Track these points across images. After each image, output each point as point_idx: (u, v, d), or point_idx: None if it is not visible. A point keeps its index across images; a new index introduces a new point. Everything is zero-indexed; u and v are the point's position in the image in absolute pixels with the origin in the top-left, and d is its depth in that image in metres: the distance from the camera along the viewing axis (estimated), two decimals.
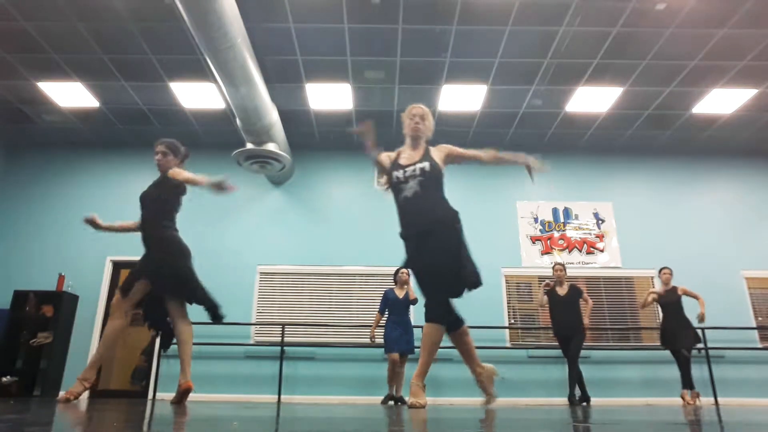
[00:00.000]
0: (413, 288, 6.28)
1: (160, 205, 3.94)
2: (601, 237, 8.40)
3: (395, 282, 6.46)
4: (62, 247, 7.97)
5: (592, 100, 7.43)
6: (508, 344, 7.73)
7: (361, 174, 8.58)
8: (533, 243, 8.34)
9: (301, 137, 8.39)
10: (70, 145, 8.68)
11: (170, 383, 7.38)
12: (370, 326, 6.75)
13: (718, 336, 7.58)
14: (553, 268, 6.55)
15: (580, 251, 8.31)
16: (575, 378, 6.11)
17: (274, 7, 5.67)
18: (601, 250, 8.33)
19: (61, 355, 7.47)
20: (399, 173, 3.19)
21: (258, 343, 7.65)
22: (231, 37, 5.25)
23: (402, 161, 3.25)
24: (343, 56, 6.52)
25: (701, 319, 6.42)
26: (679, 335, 6.35)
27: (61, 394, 3.55)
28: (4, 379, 6.97)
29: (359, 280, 7.94)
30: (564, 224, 8.46)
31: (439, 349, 8.15)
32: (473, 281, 3.09)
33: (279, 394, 7.25)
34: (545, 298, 6.43)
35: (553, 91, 7.25)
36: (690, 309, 6.60)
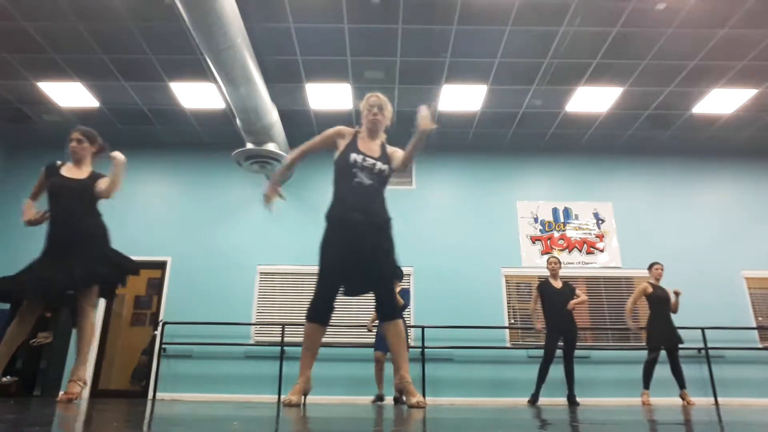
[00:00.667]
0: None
1: (79, 194, 3.66)
2: (601, 237, 8.40)
3: None
4: None
5: (592, 100, 7.44)
6: (508, 344, 7.73)
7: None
8: (533, 243, 8.34)
9: (301, 137, 8.34)
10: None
11: (170, 383, 7.40)
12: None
13: (718, 336, 7.58)
14: (548, 261, 6.46)
15: (580, 251, 8.31)
16: (571, 377, 6.06)
17: (274, 7, 5.67)
18: (601, 250, 8.33)
19: (61, 355, 7.47)
20: (358, 157, 3.04)
21: (258, 343, 7.65)
22: (231, 37, 5.25)
23: (360, 146, 3.14)
24: (343, 56, 6.52)
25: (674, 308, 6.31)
26: (673, 334, 6.24)
27: (61, 393, 3.53)
28: (4, 379, 6.96)
29: None
30: (564, 224, 8.46)
31: (439, 350, 8.19)
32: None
33: (279, 394, 7.25)
34: (536, 294, 6.35)
35: (553, 91, 7.25)
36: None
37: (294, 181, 8.64)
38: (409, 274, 8.00)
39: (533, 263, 8.17)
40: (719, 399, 7.18)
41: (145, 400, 6.64)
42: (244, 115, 6.70)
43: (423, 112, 2.89)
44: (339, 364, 7.52)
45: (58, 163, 3.73)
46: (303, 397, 3.03)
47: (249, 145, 7.28)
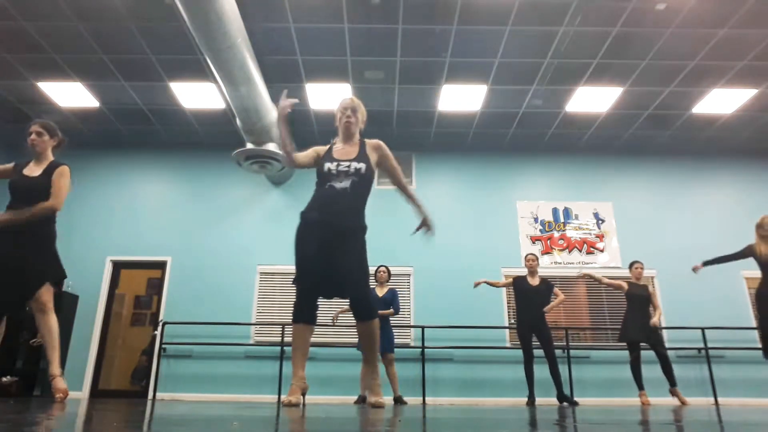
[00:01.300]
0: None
1: (32, 192, 3.57)
2: (601, 237, 8.40)
3: (375, 281, 6.34)
4: (62, 247, 7.90)
5: (592, 100, 7.44)
6: (508, 344, 7.72)
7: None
8: (533, 243, 8.34)
9: (301, 137, 8.37)
10: (70, 145, 8.66)
11: (170, 383, 7.40)
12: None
13: (718, 336, 7.58)
14: (525, 258, 6.36)
15: (580, 251, 8.31)
16: (558, 376, 6.01)
17: (274, 7, 5.67)
18: (601, 250, 8.33)
19: (61, 355, 7.46)
20: (332, 165, 3.06)
21: (258, 343, 7.65)
22: (231, 37, 5.25)
23: (335, 154, 3.15)
24: (343, 56, 6.52)
25: (654, 326, 6.18)
26: (650, 332, 6.12)
27: (59, 396, 3.57)
28: (4, 379, 6.97)
29: None
30: (564, 224, 8.46)
31: (439, 350, 8.19)
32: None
33: (279, 394, 7.25)
34: (509, 281, 6.30)
35: (553, 91, 7.25)
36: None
37: (294, 181, 8.64)
38: (409, 274, 8.00)
39: None
40: (719, 399, 7.18)
41: (145, 400, 6.64)
42: (244, 115, 6.70)
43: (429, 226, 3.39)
44: (338, 364, 7.52)
45: (26, 161, 3.71)
46: (302, 396, 3.05)
47: (249, 145, 7.28)
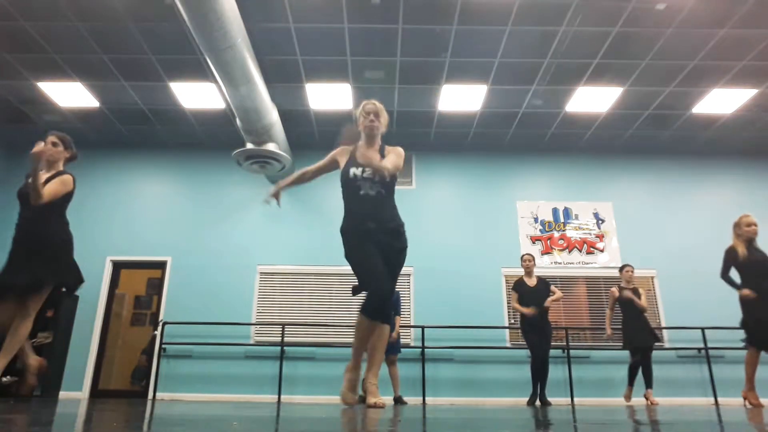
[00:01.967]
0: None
1: (50, 205, 3.63)
2: (601, 237, 8.40)
3: None
4: None
5: (592, 100, 7.44)
6: (508, 344, 7.73)
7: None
8: (533, 243, 8.34)
9: (301, 137, 8.39)
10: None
11: (170, 383, 7.40)
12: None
13: (718, 336, 7.57)
14: (522, 258, 6.40)
15: (580, 251, 8.31)
16: (545, 377, 6.04)
17: (274, 7, 5.67)
18: (601, 250, 8.33)
19: (61, 355, 7.48)
20: (357, 171, 3.11)
21: (258, 343, 7.65)
22: (231, 37, 5.25)
23: (360, 159, 3.16)
24: (343, 56, 6.52)
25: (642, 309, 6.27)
26: (648, 335, 6.18)
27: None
28: (4, 379, 6.96)
29: None
30: (564, 224, 8.46)
31: (439, 350, 8.19)
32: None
33: (279, 394, 7.25)
34: (514, 295, 6.30)
35: (553, 91, 7.25)
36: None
37: None
38: (409, 274, 8.00)
39: None
40: (719, 399, 7.18)
41: (145, 400, 6.64)
42: (244, 115, 6.70)
43: None
44: (338, 364, 7.52)
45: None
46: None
47: (249, 145, 7.28)
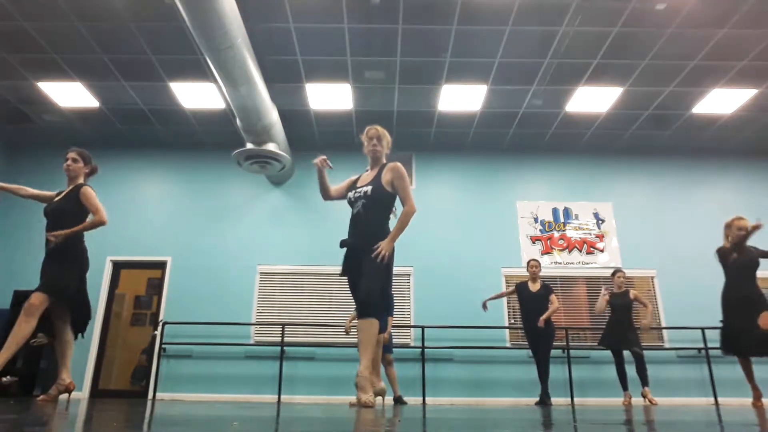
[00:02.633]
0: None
1: (72, 218, 4.11)
2: (601, 237, 8.40)
3: None
4: None
5: (592, 100, 7.43)
6: (508, 344, 7.73)
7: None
8: (533, 243, 8.34)
9: (301, 137, 8.39)
10: (70, 145, 8.68)
11: (170, 383, 7.40)
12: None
13: (718, 336, 7.56)
14: (528, 264, 6.52)
15: (580, 251, 8.31)
16: (545, 377, 6.12)
17: (274, 7, 5.67)
18: (601, 250, 8.33)
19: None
20: (351, 194, 3.48)
21: (258, 343, 7.65)
22: (231, 37, 5.25)
23: (359, 183, 3.54)
24: (343, 56, 6.52)
25: (645, 327, 6.39)
26: (628, 337, 6.25)
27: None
28: (4, 379, 6.97)
29: None
30: (564, 224, 8.46)
31: (439, 349, 8.20)
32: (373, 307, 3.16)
33: (279, 394, 7.25)
34: (512, 289, 6.46)
35: (553, 91, 7.25)
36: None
37: (294, 181, 8.65)
38: (409, 275, 8.00)
39: None
40: (719, 399, 7.18)
41: (145, 400, 6.64)
42: (244, 115, 6.70)
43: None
44: (338, 364, 7.52)
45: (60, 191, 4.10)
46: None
47: (249, 145, 7.28)
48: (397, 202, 3.50)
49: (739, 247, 4.93)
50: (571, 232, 8.42)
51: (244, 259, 8.09)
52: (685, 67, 6.68)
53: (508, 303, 7.94)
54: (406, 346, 7.53)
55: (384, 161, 3.55)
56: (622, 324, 6.32)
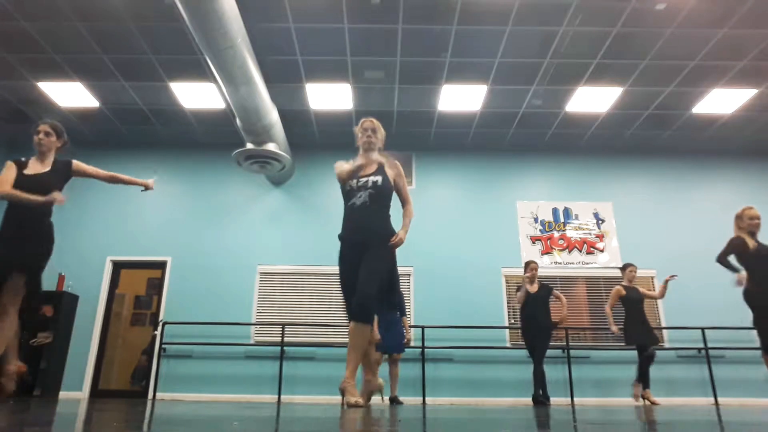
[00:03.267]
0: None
1: (39, 189, 3.65)
2: (601, 237, 8.40)
3: None
4: (62, 247, 7.89)
5: (592, 100, 7.43)
6: (508, 344, 7.72)
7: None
8: (533, 243, 8.34)
9: (301, 137, 8.39)
10: (71, 144, 8.69)
11: (170, 383, 7.40)
12: None
13: (718, 336, 7.58)
14: (529, 266, 6.39)
15: (580, 251, 8.31)
16: (539, 378, 6.08)
17: (274, 7, 5.67)
18: (601, 250, 8.33)
19: (61, 355, 7.47)
20: (352, 182, 3.36)
21: (258, 343, 7.65)
22: (231, 37, 5.25)
23: (359, 172, 3.44)
24: (343, 56, 6.52)
25: (662, 293, 6.38)
26: (650, 333, 6.22)
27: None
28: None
29: None
30: (564, 224, 8.46)
31: (439, 350, 8.19)
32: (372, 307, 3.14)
33: (279, 394, 7.25)
34: (520, 294, 6.36)
35: (553, 91, 7.25)
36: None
37: (294, 181, 8.64)
38: (409, 274, 8.00)
39: None
40: (719, 399, 7.18)
41: (145, 400, 6.64)
42: (244, 115, 6.70)
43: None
44: (339, 364, 7.52)
45: (23, 159, 3.73)
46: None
47: (249, 145, 7.28)
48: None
49: (754, 237, 4.85)
50: (571, 232, 8.42)
51: (244, 259, 8.09)
52: (685, 67, 6.68)
53: (507, 303, 7.94)
54: (406, 345, 7.52)
55: (377, 155, 3.47)
56: (644, 320, 6.25)
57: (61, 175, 3.79)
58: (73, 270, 7.84)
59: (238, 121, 7.06)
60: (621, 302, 6.41)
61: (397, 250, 3.32)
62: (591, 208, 8.57)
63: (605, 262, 8.25)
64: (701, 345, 7.49)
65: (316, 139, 8.52)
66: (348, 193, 3.35)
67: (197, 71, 6.80)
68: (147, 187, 4.10)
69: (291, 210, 8.49)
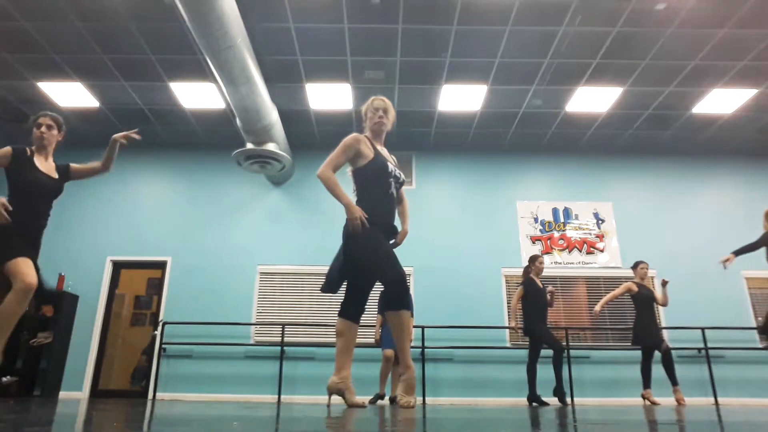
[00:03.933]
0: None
1: (55, 196, 3.62)
2: (601, 237, 8.40)
3: None
4: (62, 247, 7.97)
5: (592, 100, 7.43)
6: (508, 344, 7.73)
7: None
8: (533, 243, 8.34)
9: (301, 137, 8.39)
10: (70, 145, 8.64)
11: (170, 383, 7.40)
12: (369, 326, 6.76)
13: (718, 336, 7.58)
14: (537, 260, 6.28)
15: (580, 251, 8.31)
16: (559, 368, 5.93)
17: (274, 7, 5.67)
18: (601, 250, 8.33)
19: (61, 355, 7.48)
20: (391, 167, 3.16)
21: (258, 343, 7.65)
22: (231, 37, 5.25)
23: (384, 154, 3.24)
24: (343, 56, 6.52)
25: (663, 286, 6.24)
26: (658, 332, 6.20)
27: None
28: (4, 379, 6.97)
29: None
30: (564, 224, 8.46)
31: (440, 350, 8.19)
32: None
33: (279, 394, 7.25)
34: (521, 291, 6.17)
35: (553, 91, 7.25)
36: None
37: (294, 181, 8.64)
38: (409, 274, 8.00)
39: None
40: (719, 399, 7.18)
41: (145, 400, 6.64)
42: (244, 115, 6.70)
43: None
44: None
45: (28, 151, 3.53)
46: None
47: (249, 145, 7.28)
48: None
49: None
50: (571, 232, 8.42)
51: (244, 259, 8.09)
52: (685, 67, 6.68)
53: (507, 303, 7.94)
54: None
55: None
56: (655, 321, 6.18)
57: (63, 182, 3.67)
58: (73, 270, 7.84)
59: (238, 121, 7.06)
60: (632, 300, 6.34)
61: (397, 250, 3.30)
62: (591, 208, 8.57)
63: (605, 262, 8.25)
64: (701, 345, 7.49)
65: (316, 139, 8.51)
66: (386, 176, 3.10)
67: (197, 71, 6.80)
68: (130, 138, 3.67)
69: (291, 210, 8.49)
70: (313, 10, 5.75)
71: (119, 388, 7.84)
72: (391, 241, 3.17)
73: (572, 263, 8.22)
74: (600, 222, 8.49)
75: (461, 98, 7.41)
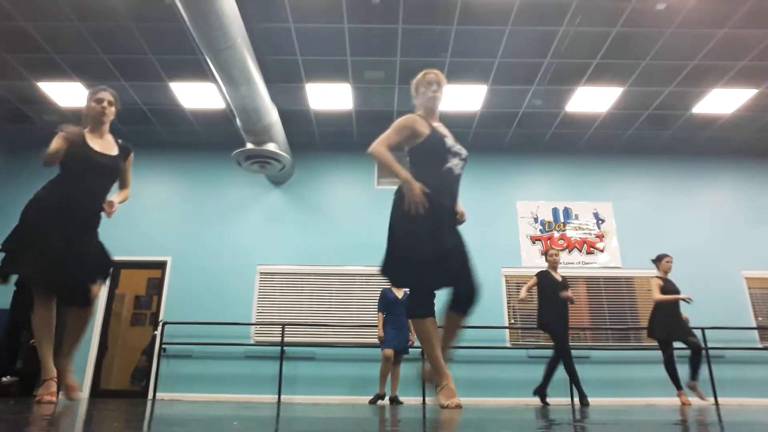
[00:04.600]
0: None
1: (114, 179, 3.34)
2: (601, 237, 8.40)
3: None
4: None
5: (592, 100, 7.44)
6: (508, 344, 7.73)
7: (361, 174, 8.59)
8: (533, 243, 8.34)
9: (301, 137, 8.39)
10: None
11: (170, 383, 7.40)
12: (370, 326, 6.75)
13: (718, 336, 7.58)
14: (549, 253, 6.19)
15: (580, 251, 8.31)
16: (572, 371, 5.88)
17: (274, 7, 5.67)
18: (601, 250, 8.33)
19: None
20: (450, 142, 2.83)
21: (258, 343, 7.65)
22: (231, 37, 5.25)
23: (440, 129, 2.90)
24: (343, 56, 6.52)
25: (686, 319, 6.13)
26: (686, 325, 6.04)
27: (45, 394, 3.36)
28: (4, 379, 6.96)
29: (359, 280, 7.94)
30: (564, 224, 8.46)
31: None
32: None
33: (279, 394, 7.25)
34: (534, 281, 6.02)
35: (553, 91, 7.25)
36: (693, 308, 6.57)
37: (294, 181, 8.64)
38: None
39: (533, 263, 8.16)
40: (719, 399, 7.17)
41: (145, 400, 6.64)
42: (244, 115, 6.70)
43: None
44: (339, 364, 7.52)
45: (78, 127, 3.32)
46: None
47: (249, 145, 7.28)
48: None
49: None
50: (571, 232, 8.42)
51: (244, 259, 8.09)
52: (685, 67, 6.68)
53: (507, 303, 7.94)
54: (410, 347, 7.52)
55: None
56: (676, 313, 5.97)
57: (122, 163, 3.33)
58: None
59: (238, 121, 7.06)
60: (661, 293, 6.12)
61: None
62: (591, 208, 8.57)
63: (605, 262, 8.25)
64: (701, 345, 7.48)
65: (316, 139, 8.51)
66: (445, 152, 2.78)
67: (197, 71, 6.80)
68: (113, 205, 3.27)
69: (291, 210, 8.49)
70: (313, 10, 5.75)
71: (119, 388, 7.84)
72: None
73: (572, 263, 8.22)
74: (600, 222, 8.49)
75: (461, 98, 7.41)
